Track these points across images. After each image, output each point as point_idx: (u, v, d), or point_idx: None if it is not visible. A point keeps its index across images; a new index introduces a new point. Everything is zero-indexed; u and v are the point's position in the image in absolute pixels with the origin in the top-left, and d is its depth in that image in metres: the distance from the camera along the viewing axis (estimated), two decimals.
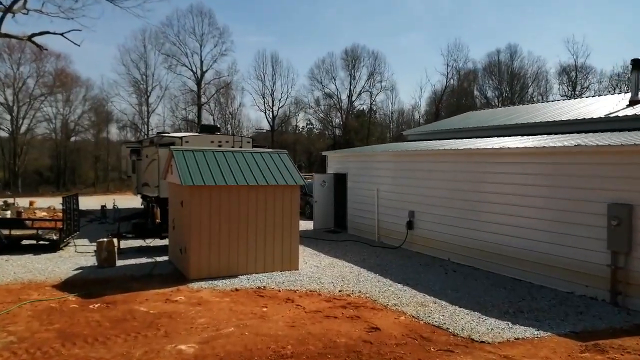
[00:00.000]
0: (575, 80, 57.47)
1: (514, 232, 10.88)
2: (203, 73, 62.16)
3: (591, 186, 9.32)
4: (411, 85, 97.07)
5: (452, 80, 64.42)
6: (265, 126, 66.79)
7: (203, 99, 63.38)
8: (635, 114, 11.99)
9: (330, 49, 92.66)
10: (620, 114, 12.46)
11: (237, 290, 9.75)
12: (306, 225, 19.02)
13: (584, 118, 13.32)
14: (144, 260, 12.46)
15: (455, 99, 63.46)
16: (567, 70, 58.37)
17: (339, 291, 9.76)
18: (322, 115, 66.87)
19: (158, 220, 14.37)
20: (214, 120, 66.02)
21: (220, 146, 16.83)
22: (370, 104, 64.95)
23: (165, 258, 12.59)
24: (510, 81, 62.84)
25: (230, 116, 68.63)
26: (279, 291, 9.72)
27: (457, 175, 12.51)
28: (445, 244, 12.88)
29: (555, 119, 14.29)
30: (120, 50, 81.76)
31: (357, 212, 16.99)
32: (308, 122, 67.86)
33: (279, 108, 64.20)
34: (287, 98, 65.00)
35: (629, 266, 8.73)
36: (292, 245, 11.32)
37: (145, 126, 57.58)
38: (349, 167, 17.55)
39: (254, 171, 11.19)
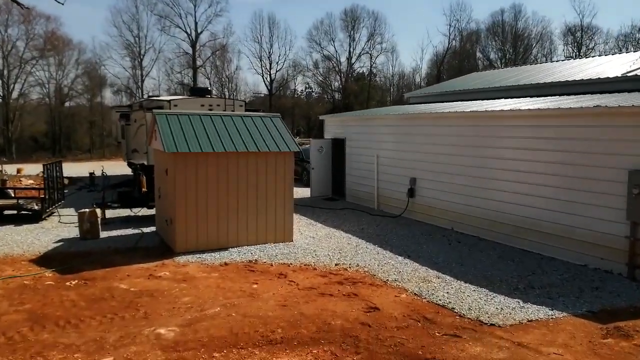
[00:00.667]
0: (580, 41, 55.86)
1: (522, 201, 10.16)
2: (198, 35, 60.37)
3: (611, 151, 8.54)
4: (412, 46, 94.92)
5: (454, 41, 62.63)
6: (263, 90, 65.43)
7: (199, 62, 61.79)
8: None
9: (329, 9, 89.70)
10: None
11: (226, 264, 9.11)
12: (303, 192, 18.33)
13: (600, 77, 12.40)
14: (129, 231, 11.79)
15: (457, 60, 61.86)
16: (572, 30, 56.64)
17: (336, 265, 9.12)
18: (321, 79, 65.39)
19: (144, 189, 13.62)
20: (210, 84, 64.45)
21: (211, 110, 15.93)
22: (370, 66, 63.34)
23: (153, 229, 11.92)
24: (514, 42, 61.11)
25: (227, 80, 67.16)
26: (272, 265, 9.07)
27: (462, 140, 11.70)
28: (449, 212, 12.19)
29: (568, 79, 13.36)
30: (112, 12, 79.33)
31: (355, 179, 16.26)
32: (307, 86, 66.39)
33: (276, 71, 62.64)
34: (284, 61, 63.37)
35: None
36: (286, 216, 10.62)
37: (140, 90, 56.34)
38: (347, 132, 16.70)
39: (244, 137, 10.37)
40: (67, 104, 53.63)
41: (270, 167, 10.38)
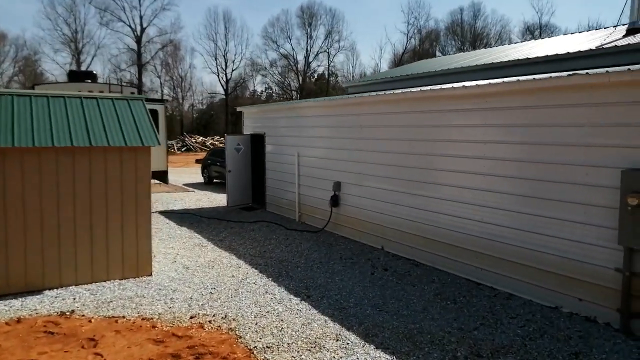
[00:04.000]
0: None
1: (474, 213, 7.31)
2: (143, 29, 56.46)
3: (596, 142, 5.76)
4: (371, 45, 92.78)
5: (412, 39, 60.79)
6: (220, 91, 61.95)
7: (146, 58, 57.76)
8: None
9: (285, 5, 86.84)
10: (620, 43, 8.91)
11: (18, 321, 5.87)
12: (222, 201, 15.17)
13: (569, 52, 9.74)
14: None
15: (416, 59, 59.90)
16: (531, 29, 55.59)
17: (191, 318, 6.01)
18: (278, 79, 62.42)
19: None
20: (161, 84, 60.68)
21: None
22: (329, 65, 60.79)
23: None
24: (473, 41, 59.77)
25: (180, 79, 63.42)
26: (90, 321, 5.88)
27: (396, 133, 8.81)
28: (379, 227, 9.27)
29: (530, 57, 10.69)
30: (45, 2, 73.99)
31: (276, 184, 13.20)
32: (267, 86, 63.33)
33: (232, 70, 59.33)
34: (241, 60, 60.22)
35: None
36: (140, 240, 7.44)
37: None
38: (267, 126, 13.62)
39: (76, 126, 7.16)
40: None
41: (113, 170, 7.19)
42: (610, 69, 5.70)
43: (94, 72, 13.67)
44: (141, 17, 55.62)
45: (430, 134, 8.03)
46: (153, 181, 18.01)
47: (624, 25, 10.92)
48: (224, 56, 59.56)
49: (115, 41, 70.66)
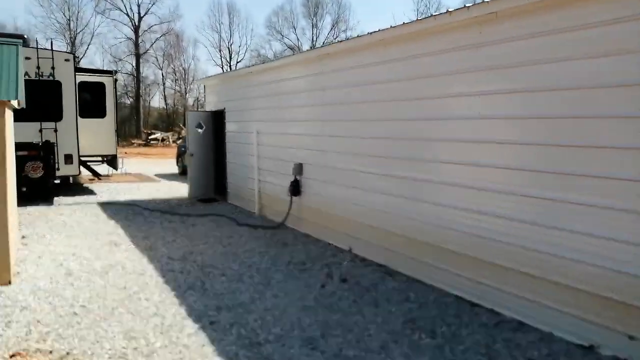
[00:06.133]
0: None
1: (472, 201, 5.00)
2: (140, 18, 54.48)
3: None
4: None
5: None
6: None
7: (146, 48, 55.80)
8: None
9: None
10: None
11: None
12: (186, 191, 12.99)
13: None
14: None
15: None
16: None
17: (11, 357, 3.78)
18: None
19: None
20: (162, 76, 58.72)
21: None
22: None
23: None
24: None
25: (183, 71, 61.50)
26: None
27: (370, 93, 6.52)
28: (347, 222, 6.98)
29: None
30: None
31: (235, 171, 10.96)
32: None
33: (237, 62, 57.23)
34: (246, 51, 58.20)
35: None
36: None
37: None
38: (226, 100, 11.36)
39: None
40: None
41: None
42: None
43: (25, 36, 11.48)
44: (139, 5, 53.65)
45: (415, 90, 5.71)
46: (114, 171, 15.90)
47: None
48: (228, 48, 57.49)
49: (112, 29, 68.89)
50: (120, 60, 54.05)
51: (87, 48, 52.98)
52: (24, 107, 7.51)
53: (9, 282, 5.33)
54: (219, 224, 8.87)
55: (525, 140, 4.45)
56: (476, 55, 4.87)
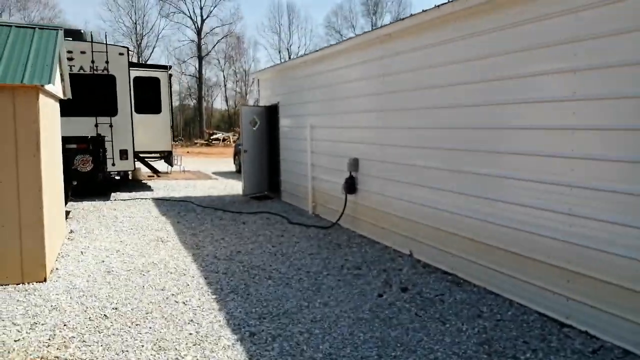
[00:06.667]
0: None
1: (563, 202, 4.17)
2: (203, 20, 55.81)
3: None
4: None
5: None
6: None
7: (206, 50, 57.17)
8: None
9: None
10: None
11: None
12: (239, 189, 12.69)
13: None
14: None
15: None
16: None
17: None
18: None
19: None
20: (224, 77, 59.92)
21: (70, 59, 10.53)
22: None
23: None
24: None
25: (244, 72, 62.54)
26: None
27: (440, 76, 5.77)
28: (408, 222, 6.25)
29: None
30: None
31: (289, 167, 10.45)
32: None
33: None
34: (305, 52, 58.34)
35: None
36: (25, 232, 4.96)
37: None
38: (280, 94, 10.89)
39: None
40: None
41: None
42: None
43: (82, 30, 11.54)
44: (201, 8, 54.95)
45: (499, 69, 4.92)
46: (172, 168, 15.94)
47: None
48: (287, 49, 57.78)
49: (175, 32, 70.95)
50: (184, 62, 55.65)
51: (153, 50, 54.86)
52: (70, 97, 7.35)
53: (45, 279, 5.03)
54: (270, 222, 8.38)
55: None
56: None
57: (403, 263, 5.90)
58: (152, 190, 12.54)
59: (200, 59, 56.65)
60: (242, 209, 9.77)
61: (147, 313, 4.31)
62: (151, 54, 54.66)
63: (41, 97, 4.97)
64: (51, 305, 4.43)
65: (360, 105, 7.37)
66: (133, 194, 11.67)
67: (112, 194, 11.53)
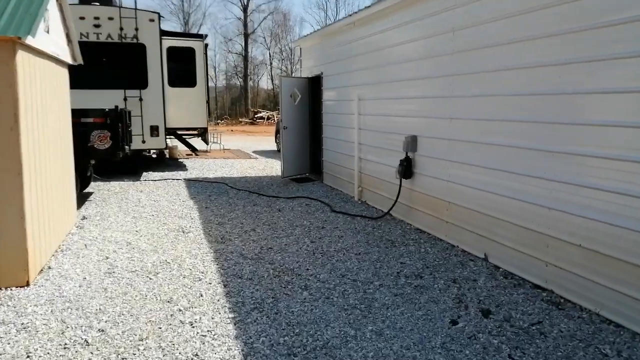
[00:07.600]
0: None
1: None
2: None
3: None
4: None
5: None
6: None
7: (252, 28, 56.26)
8: None
9: None
10: None
11: None
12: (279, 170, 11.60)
13: None
14: None
15: None
16: None
17: None
18: None
19: None
20: (270, 55, 59.05)
21: (97, 26, 9.60)
22: None
23: None
24: None
25: (290, 51, 61.44)
26: None
27: (531, 25, 4.34)
28: (482, 217, 4.90)
29: None
30: None
31: (332, 146, 9.20)
32: None
33: None
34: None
35: None
36: (2, 227, 3.95)
37: None
38: (325, 63, 9.58)
39: None
40: None
41: None
42: None
43: None
44: None
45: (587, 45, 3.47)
46: (212, 147, 15.05)
47: None
48: None
49: (222, 10, 70.21)
50: (230, 40, 54.95)
51: (200, 28, 54.40)
52: (82, 63, 6.37)
53: (27, 284, 4.06)
54: (310, 210, 7.21)
55: None
56: None
57: (477, 270, 4.59)
58: (186, 169, 11.65)
59: (246, 36, 55.80)
60: (279, 192, 8.64)
61: (140, 340, 3.24)
62: (198, 32, 54.22)
63: (23, 54, 3.92)
64: (21, 324, 3.44)
65: (420, 71, 6.00)
66: (165, 174, 10.80)
67: (144, 174, 10.71)
